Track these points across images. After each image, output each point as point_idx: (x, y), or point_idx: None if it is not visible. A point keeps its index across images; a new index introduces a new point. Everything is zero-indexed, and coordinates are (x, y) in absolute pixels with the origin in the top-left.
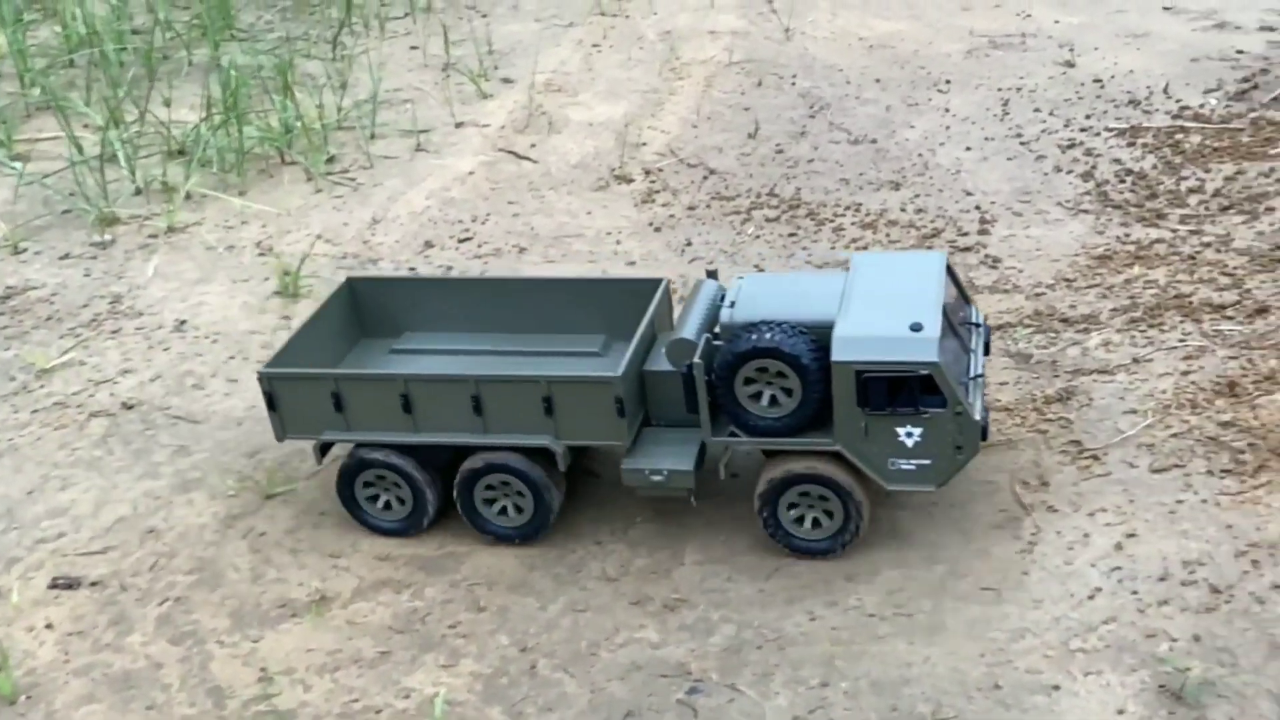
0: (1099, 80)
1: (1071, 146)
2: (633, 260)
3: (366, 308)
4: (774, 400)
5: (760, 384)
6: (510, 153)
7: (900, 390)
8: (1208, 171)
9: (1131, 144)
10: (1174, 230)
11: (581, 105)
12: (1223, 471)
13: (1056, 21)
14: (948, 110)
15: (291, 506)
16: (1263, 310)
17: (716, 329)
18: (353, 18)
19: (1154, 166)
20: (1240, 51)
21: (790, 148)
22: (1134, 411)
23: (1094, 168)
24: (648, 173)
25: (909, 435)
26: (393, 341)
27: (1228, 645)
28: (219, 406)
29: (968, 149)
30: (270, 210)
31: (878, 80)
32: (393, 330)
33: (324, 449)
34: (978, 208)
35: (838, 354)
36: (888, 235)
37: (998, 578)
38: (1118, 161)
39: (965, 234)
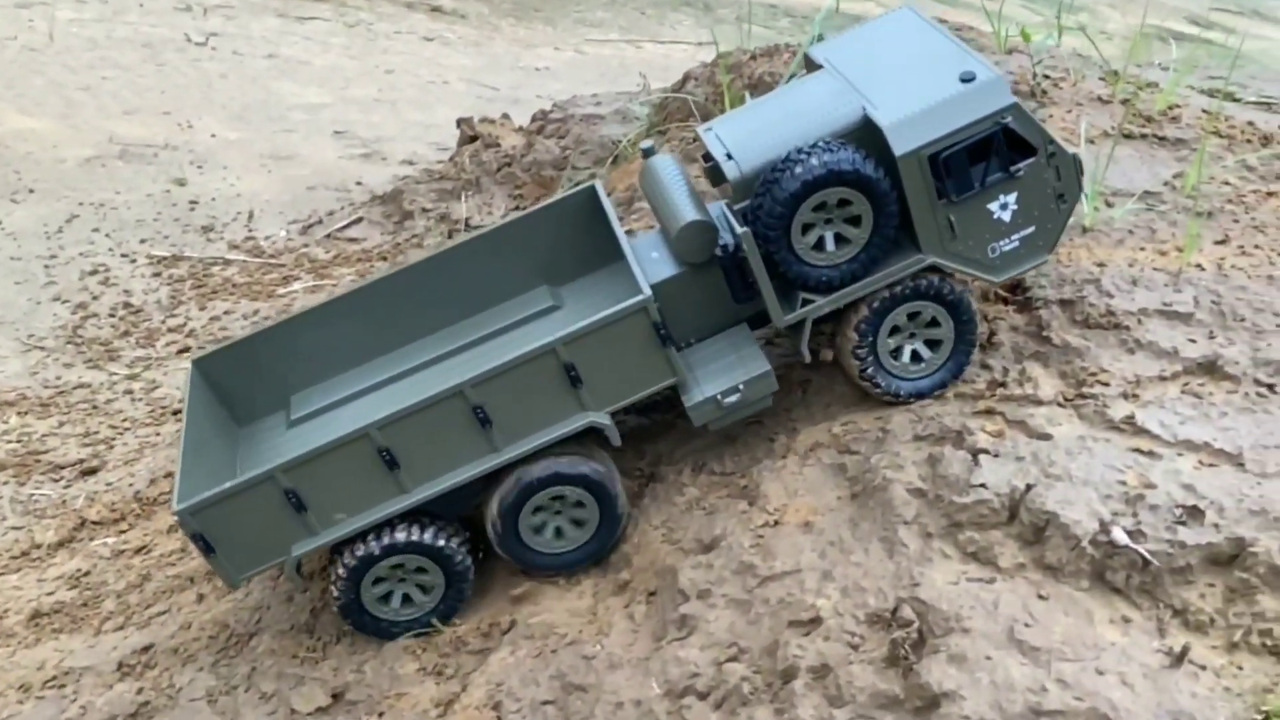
0: (196, 202)
1: (95, 273)
2: None
3: (228, 390)
4: (841, 238)
5: (819, 226)
6: None
7: (982, 157)
8: (203, 309)
9: (159, 274)
10: (113, 375)
11: None
12: None
13: (213, 135)
14: (0, 224)
15: None
16: (92, 471)
17: (725, 198)
18: None
19: (159, 300)
20: (359, 183)
21: None
22: None
23: (97, 298)
24: None
25: (1004, 208)
26: (280, 415)
27: None
28: None
29: None
30: None
31: None
32: (272, 402)
33: (299, 566)
34: None
35: (899, 145)
36: None
37: None
38: (128, 292)
39: None
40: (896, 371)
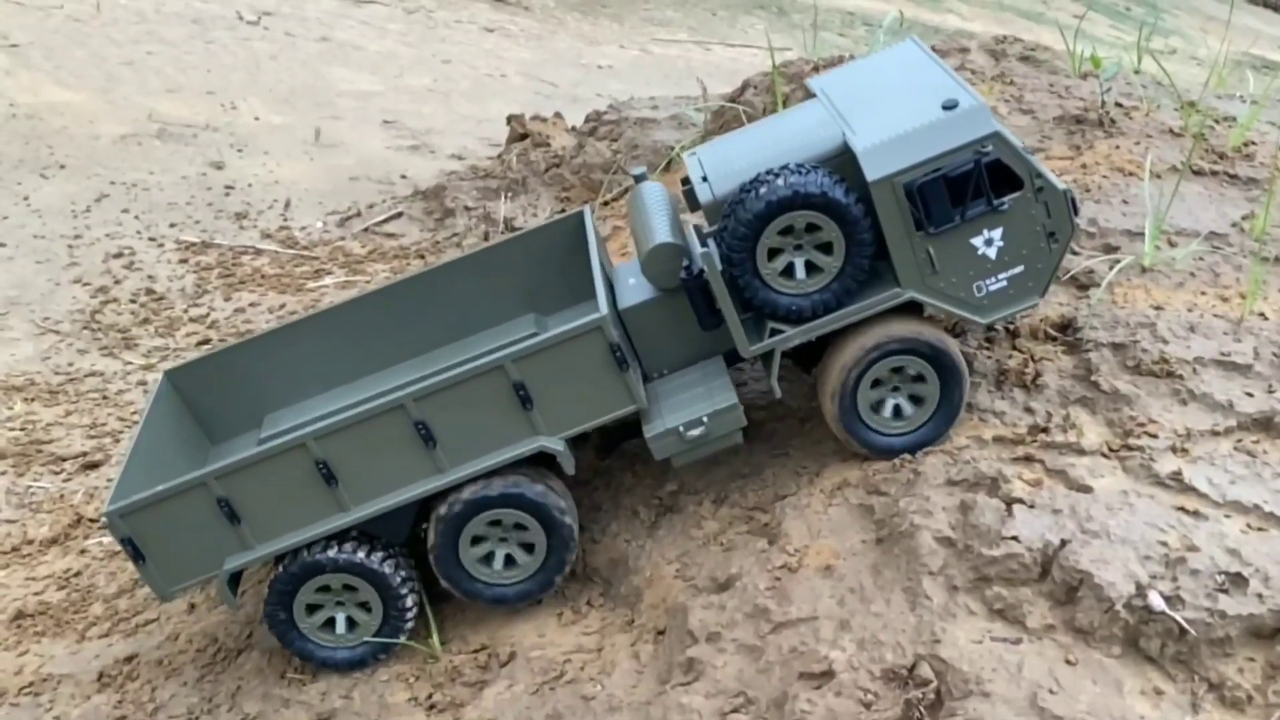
0: (232, 186)
1: (121, 256)
2: None
3: (202, 405)
4: (813, 267)
5: (788, 252)
6: None
7: (962, 188)
8: (228, 300)
9: (186, 260)
10: (128, 364)
11: None
12: None
13: (257, 119)
14: (26, 199)
15: None
16: (94, 465)
17: (697, 221)
18: None
19: (183, 289)
20: (404, 176)
21: None
22: None
23: (119, 282)
24: None
25: (988, 243)
26: (254, 434)
27: None
28: None
29: (1, 245)
30: None
31: None
32: (247, 420)
33: (234, 581)
34: None
35: (873, 170)
36: None
37: None
38: (151, 278)
39: None
40: (876, 426)
